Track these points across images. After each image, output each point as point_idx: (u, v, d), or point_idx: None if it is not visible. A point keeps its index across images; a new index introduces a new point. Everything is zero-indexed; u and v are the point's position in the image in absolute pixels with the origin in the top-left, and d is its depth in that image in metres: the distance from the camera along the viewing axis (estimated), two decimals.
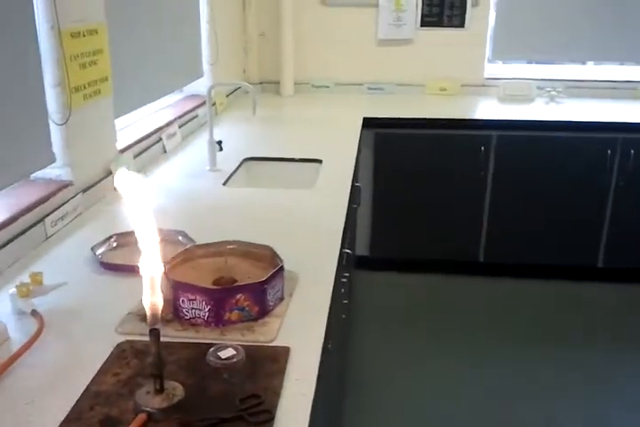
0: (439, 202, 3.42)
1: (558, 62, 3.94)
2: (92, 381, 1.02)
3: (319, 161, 2.43)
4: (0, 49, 1.47)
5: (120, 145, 2.12)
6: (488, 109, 3.65)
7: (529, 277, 3.50)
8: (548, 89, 3.73)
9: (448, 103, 3.69)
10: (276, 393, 0.99)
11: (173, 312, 1.21)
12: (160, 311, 0.90)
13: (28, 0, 1.58)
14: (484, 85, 3.85)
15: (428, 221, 3.46)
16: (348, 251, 1.94)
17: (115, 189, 1.82)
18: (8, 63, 1.51)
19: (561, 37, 3.79)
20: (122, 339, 1.15)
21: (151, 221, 0.90)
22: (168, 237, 1.58)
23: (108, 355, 1.10)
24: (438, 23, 3.75)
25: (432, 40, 3.79)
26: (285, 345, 1.13)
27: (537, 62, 3.97)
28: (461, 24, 3.73)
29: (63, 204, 1.70)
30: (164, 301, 0.94)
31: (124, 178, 0.88)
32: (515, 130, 3.29)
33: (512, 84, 3.79)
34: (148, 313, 0.90)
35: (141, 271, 0.89)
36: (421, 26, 3.77)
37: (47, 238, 1.61)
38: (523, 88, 3.76)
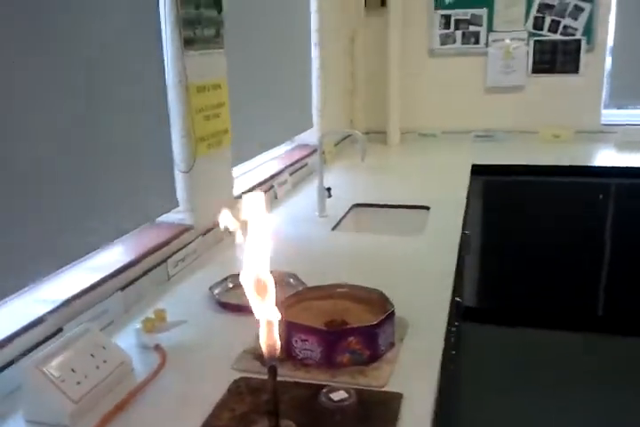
0: (553, 252, 3.28)
1: None
2: (209, 415, 1.05)
3: (427, 208, 2.43)
4: (134, 102, 1.62)
5: (236, 192, 2.23)
6: (605, 156, 3.50)
7: None
8: None
9: (562, 150, 3.58)
10: None
11: (286, 352, 1.23)
12: (278, 348, 0.92)
13: (159, 57, 1.73)
14: (600, 132, 3.71)
15: (541, 272, 3.31)
16: (458, 299, 1.90)
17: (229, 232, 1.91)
18: (141, 115, 1.65)
19: None
20: (237, 376, 1.18)
21: (266, 262, 0.93)
22: (279, 280, 1.62)
23: (224, 391, 1.13)
24: (551, 69, 3.69)
25: (544, 86, 3.72)
26: (398, 391, 1.12)
27: None
28: (575, 70, 3.65)
29: (184, 246, 1.80)
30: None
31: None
32: (635, 178, 3.12)
33: (631, 129, 3.63)
34: (265, 350, 0.92)
35: (257, 315, 0.92)
36: (533, 72, 3.72)
37: (169, 278, 1.70)
38: None
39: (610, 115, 3.76)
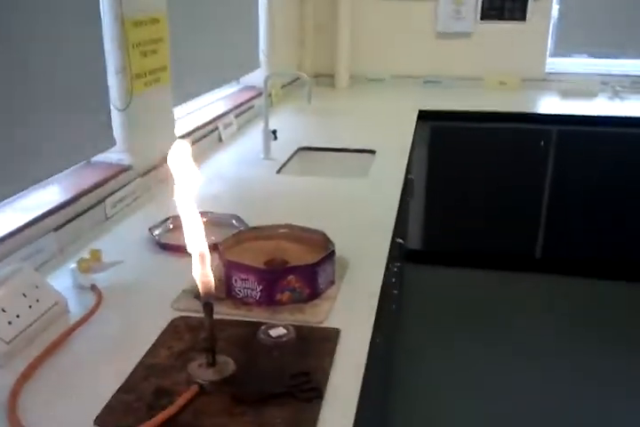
0: (495, 197, 3.36)
1: (623, 57, 3.80)
2: (146, 353, 1.05)
3: (372, 152, 2.43)
4: (65, 36, 1.52)
5: (178, 133, 2.16)
6: (549, 104, 3.56)
7: (587, 275, 3.39)
8: (613, 84, 3.60)
9: (507, 97, 3.61)
10: (325, 372, 1.00)
11: (226, 291, 1.23)
12: (212, 285, 0.92)
13: None
14: (545, 80, 3.75)
15: (483, 215, 3.40)
16: (400, 240, 1.93)
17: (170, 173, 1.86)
18: (72, 50, 1.56)
19: (626, 30, 3.66)
20: (176, 315, 1.18)
21: (193, 198, 0.90)
22: (222, 221, 1.61)
23: (162, 329, 1.12)
24: (499, 16, 3.67)
25: (492, 33, 3.71)
26: (336, 327, 1.14)
27: (601, 56, 3.84)
28: (523, 17, 3.64)
29: (122, 186, 1.75)
30: (218, 280, 0.95)
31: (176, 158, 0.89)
32: (576, 125, 3.19)
33: (575, 78, 3.68)
34: (201, 287, 0.91)
35: (189, 247, 0.90)
36: (482, 19, 3.70)
37: (107, 219, 1.66)
38: (586, 83, 3.65)
39: (555, 63, 3.79)
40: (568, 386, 2.58)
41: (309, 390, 0.95)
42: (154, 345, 1.08)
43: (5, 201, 1.42)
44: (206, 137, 2.43)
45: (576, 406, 2.47)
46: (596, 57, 3.83)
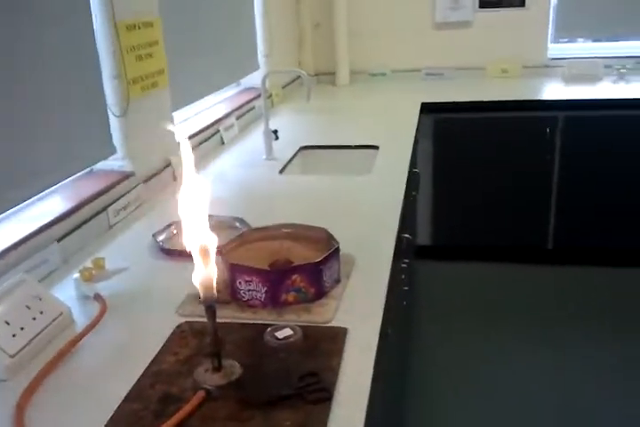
0: (503, 187, 3.33)
1: (625, 39, 3.74)
2: (152, 360, 1.04)
3: (376, 147, 2.40)
4: (58, 43, 1.51)
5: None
6: (553, 90, 3.51)
7: (600, 264, 3.35)
8: (617, 67, 3.55)
9: (510, 86, 3.57)
10: (334, 372, 0.98)
11: (231, 294, 1.21)
12: (214, 288, 0.90)
13: None
14: (547, 66, 3.71)
15: (492, 207, 3.37)
16: (407, 236, 1.91)
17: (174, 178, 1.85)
18: (66, 56, 1.55)
19: (626, 12, 3.60)
20: (182, 320, 1.16)
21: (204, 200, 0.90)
22: (226, 224, 1.59)
23: (168, 336, 1.11)
24: (497, 3, 3.63)
25: (492, 21, 3.68)
26: (343, 326, 1.12)
27: (603, 40, 3.79)
28: (522, 3, 3.60)
29: (125, 194, 1.74)
30: (222, 283, 0.94)
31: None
32: (582, 110, 3.15)
33: (577, 63, 3.63)
34: (201, 290, 0.90)
35: (189, 245, 0.89)
36: (480, 7, 3.66)
37: (110, 227, 1.65)
38: (589, 67, 3.60)
39: (556, 48, 3.75)
40: (584, 377, 2.55)
41: (318, 391, 0.93)
42: (160, 352, 1.06)
43: (8, 212, 1.41)
44: (208, 140, 2.42)
45: (594, 398, 2.43)
46: (597, 40, 3.79)
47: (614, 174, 3.20)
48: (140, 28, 1.81)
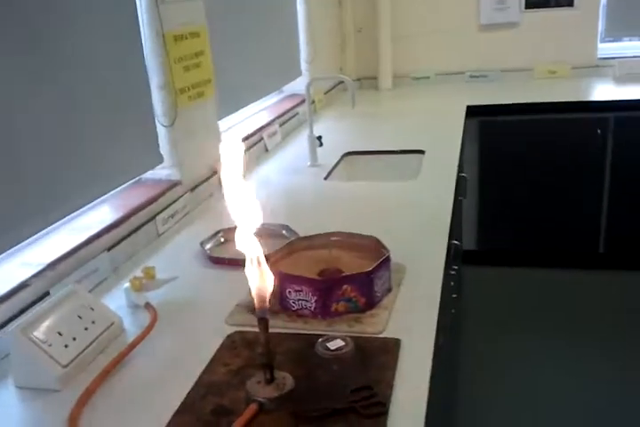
0: (553, 190, 3.23)
1: None
2: (203, 371, 1.03)
3: (421, 152, 2.36)
4: (108, 54, 1.53)
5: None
6: (603, 91, 3.41)
7: None
8: None
9: (558, 87, 3.48)
10: (388, 385, 0.95)
11: (280, 304, 1.20)
12: (268, 296, 0.89)
13: (132, 5, 1.64)
14: (597, 66, 3.60)
15: (541, 211, 3.28)
16: (456, 242, 1.86)
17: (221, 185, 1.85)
18: (115, 67, 1.57)
19: None
20: (232, 330, 1.15)
21: (255, 209, 0.88)
22: (272, 232, 1.58)
23: (218, 346, 1.10)
24: (545, 4, 3.55)
25: (539, 22, 3.59)
26: (395, 337, 1.09)
27: None
28: (570, 3, 3.51)
29: (173, 202, 1.75)
30: (271, 292, 0.92)
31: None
32: (633, 110, 3.04)
33: (628, 62, 3.52)
34: (256, 299, 0.89)
35: (245, 254, 0.88)
36: (526, 8, 3.58)
37: (159, 236, 1.66)
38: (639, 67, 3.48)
39: (606, 48, 3.64)
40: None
41: (373, 405, 0.90)
42: (211, 362, 1.06)
43: (60, 222, 1.43)
44: (252, 148, 2.42)
45: None
46: None
47: None
48: (187, 38, 1.82)
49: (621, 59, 3.55)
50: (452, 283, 1.93)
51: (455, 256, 1.92)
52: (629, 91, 3.28)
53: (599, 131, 3.04)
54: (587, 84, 3.51)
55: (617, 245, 3.26)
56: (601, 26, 3.60)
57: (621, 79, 3.46)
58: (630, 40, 3.70)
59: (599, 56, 3.61)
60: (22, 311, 1.17)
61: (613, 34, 3.64)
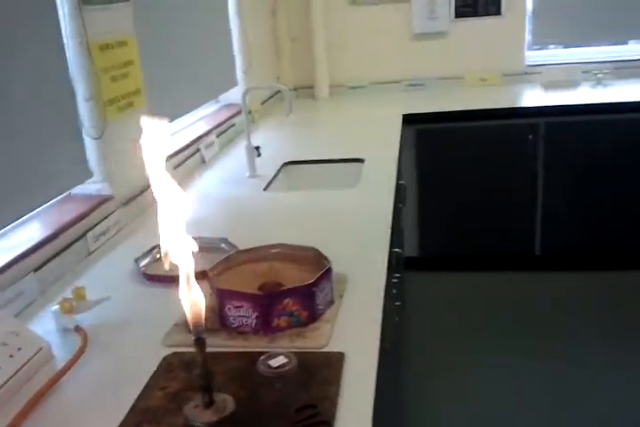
0: (488, 195, 3.30)
1: (599, 44, 3.76)
2: (138, 396, 0.97)
3: (361, 160, 2.36)
4: (28, 65, 1.46)
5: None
6: (532, 97, 3.51)
7: (588, 268, 3.33)
8: (595, 72, 3.56)
9: (490, 94, 3.57)
10: (332, 402, 0.92)
11: (220, 321, 1.16)
12: (203, 313, 0.85)
13: (54, 14, 1.57)
14: (526, 73, 3.71)
15: (479, 216, 3.34)
16: (397, 250, 1.86)
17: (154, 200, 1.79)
18: (38, 79, 1.49)
19: (598, 18, 3.62)
20: (169, 351, 1.10)
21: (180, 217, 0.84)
22: (210, 246, 1.54)
23: (154, 368, 1.05)
24: (473, 13, 3.64)
25: (468, 30, 3.68)
26: (339, 351, 1.06)
27: (578, 46, 3.80)
28: (498, 11, 3.61)
29: (104, 218, 1.68)
30: (210, 310, 0.88)
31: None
32: (563, 116, 3.15)
33: (555, 69, 3.64)
34: (190, 318, 0.84)
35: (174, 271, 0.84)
36: (456, 17, 3.66)
37: (90, 254, 1.59)
38: (567, 73, 3.61)
39: (534, 55, 3.76)
40: (580, 382, 2.51)
41: (318, 425, 0.87)
42: (146, 386, 1.00)
43: None
44: (189, 159, 2.36)
45: (592, 401, 2.40)
46: (573, 46, 3.80)
47: (598, 178, 3.19)
48: (114, 47, 1.75)
49: (548, 66, 3.68)
50: (395, 291, 1.92)
51: (397, 264, 1.92)
52: (558, 97, 3.39)
53: (530, 136, 3.13)
54: (517, 90, 3.62)
55: (552, 247, 3.35)
56: (528, 34, 3.72)
57: (549, 86, 3.58)
58: (556, 48, 3.84)
59: (527, 63, 3.73)
60: None
61: (540, 41, 3.77)
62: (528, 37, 3.72)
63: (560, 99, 3.34)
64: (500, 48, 3.68)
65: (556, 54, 3.80)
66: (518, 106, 3.36)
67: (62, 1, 1.59)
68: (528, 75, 3.71)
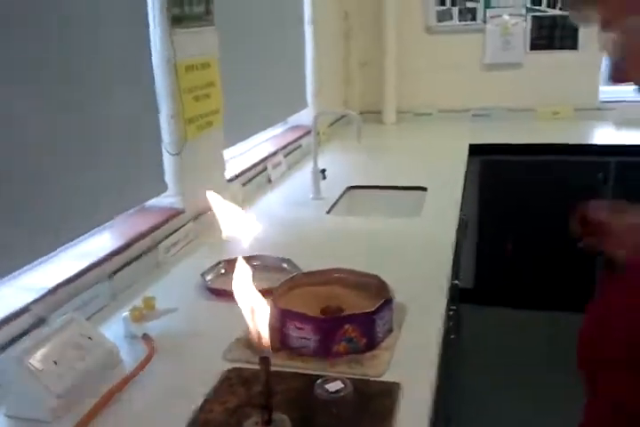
0: (551, 233, 3.23)
1: None
2: (199, 408, 1.01)
3: (424, 189, 2.37)
4: (119, 84, 1.55)
5: (228, 175, 2.17)
6: (605, 134, 3.45)
7: None
8: None
9: (560, 129, 3.52)
10: None
11: (281, 341, 1.19)
12: (268, 338, 0.88)
13: (146, 35, 1.66)
14: (599, 109, 3.65)
15: (539, 253, 3.27)
16: (456, 282, 1.86)
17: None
18: (128, 97, 1.58)
19: None
20: (229, 366, 1.14)
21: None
22: (273, 265, 1.58)
23: (215, 382, 1.09)
24: (549, 46, 3.62)
25: (543, 63, 3.65)
26: (395, 380, 1.08)
27: None
28: (574, 46, 3.58)
29: (175, 231, 1.75)
30: (272, 329, 0.91)
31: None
32: (635, 155, 3.07)
33: (629, 106, 3.57)
34: (257, 337, 0.88)
35: (240, 303, 0.88)
36: (531, 49, 3.65)
37: (160, 265, 1.65)
38: None
39: (608, 92, 3.70)
40: None
41: None
42: (207, 399, 1.04)
43: (63, 247, 1.42)
44: (255, 178, 2.43)
45: None
46: None
47: None
48: (198, 69, 1.84)
49: (622, 102, 3.61)
50: (451, 323, 1.91)
51: (455, 295, 1.91)
52: (631, 135, 3.31)
53: (600, 175, 3.06)
54: (588, 126, 3.56)
55: None
56: (604, 69, 3.66)
57: (622, 123, 3.51)
58: (632, 85, 3.75)
59: (601, 99, 3.67)
60: (20, 337, 1.16)
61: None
62: (603, 73, 3.67)
63: (633, 138, 3.26)
64: (574, 82, 3.63)
65: (630, 91, 3.72)
66: (589, 142, 3.30)
67: (155, 22, 1.69)
68: (601, 111, 3.65)
